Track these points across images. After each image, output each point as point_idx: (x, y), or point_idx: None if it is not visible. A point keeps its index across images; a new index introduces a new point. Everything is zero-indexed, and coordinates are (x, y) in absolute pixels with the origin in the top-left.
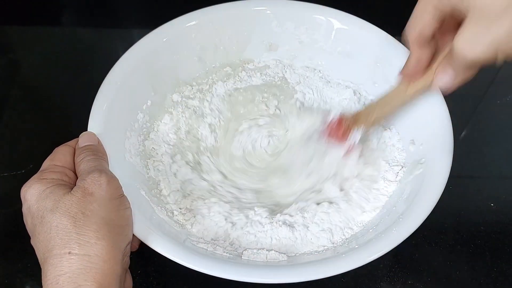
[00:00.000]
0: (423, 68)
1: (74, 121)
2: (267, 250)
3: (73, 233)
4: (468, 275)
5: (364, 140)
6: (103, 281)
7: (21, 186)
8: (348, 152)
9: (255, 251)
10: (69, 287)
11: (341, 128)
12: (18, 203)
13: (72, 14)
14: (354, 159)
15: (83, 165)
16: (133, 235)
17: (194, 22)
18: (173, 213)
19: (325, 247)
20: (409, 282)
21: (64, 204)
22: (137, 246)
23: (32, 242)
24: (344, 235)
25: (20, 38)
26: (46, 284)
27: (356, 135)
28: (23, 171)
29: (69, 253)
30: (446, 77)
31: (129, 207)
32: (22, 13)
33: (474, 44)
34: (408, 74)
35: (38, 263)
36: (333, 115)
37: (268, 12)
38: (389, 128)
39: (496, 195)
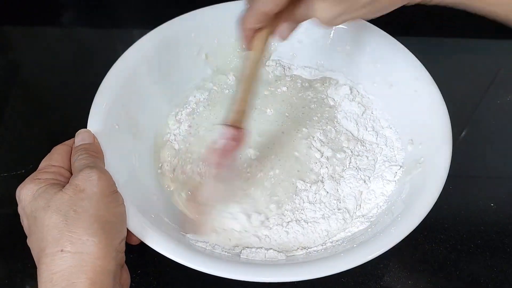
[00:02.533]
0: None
1: (74, 121)
2: (265, 249)
3: (65, 231)
4: (468, 275)
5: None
6: (96, 278)
7: None
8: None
9: (253, 250)
10: (62, 285)
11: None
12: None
13: (72, 14)
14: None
15: (76, 164)
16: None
17: (193, 22)
18: (175, 211)
19: (324, 247)
20: (409, 282)
21: (55, 202)
22: (138, 241)
23: (28, 242)
24: (342, 234)
25: (20, 38)
26: (41, 283)
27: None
28: (23, 171)
29: (61, 251)
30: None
31: (122, 204)
32: (22, 13)
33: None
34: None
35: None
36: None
37: None
38: (388, 127)
39: (496, 195)
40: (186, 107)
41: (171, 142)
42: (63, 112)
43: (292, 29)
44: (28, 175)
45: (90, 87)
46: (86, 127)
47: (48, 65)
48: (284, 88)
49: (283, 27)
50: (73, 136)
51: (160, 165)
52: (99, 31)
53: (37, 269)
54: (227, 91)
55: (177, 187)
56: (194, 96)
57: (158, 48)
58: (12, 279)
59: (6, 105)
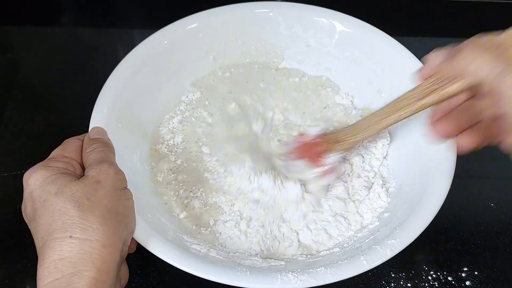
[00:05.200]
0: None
1: (74, 121)
2: (261, 256)
3: (76, 217)
4: (468, 275)
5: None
6: (102, 267)
7: (21, 186)
8: (323, 174)
9: (246, 255)
10: (68, 272)
11: (317, 147)
12: (18, 203)
13: (72, 14)
14: (327, 182)
15: (93, 155)
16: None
17: (197, 24)
18: (177, 215)
19: (325, 252)
20: (409, 282)
21: (69, 189)
22: (135, 248)
23: (32, 226)
24: (341, 242)
25: (20, 38)
26: (43, 268)
27: (333, 159)
28: (23, 171)
29: (70, 237)
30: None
31: (132, 199)
32: (22, 13)
33: None
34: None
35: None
36: (312, 133)
37: (271, 14)
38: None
39: (496, 195)
40: (177, 112)
41: (168, 155)
42: (63, 112)
43: (479, 143)
44: None
45: (90, 87)
46: (85, 127)
47: (48, 65)
48: (296, 79)
49: (465, 136)
50: (72, 135)
51: (153, 167)
52: (99, 31)
53: (40, 253)
54: (221, 86)
55: (175, 205)
56: (187, 96)
57: (165, 47)
58: (12, 279)
59: (6, 105)
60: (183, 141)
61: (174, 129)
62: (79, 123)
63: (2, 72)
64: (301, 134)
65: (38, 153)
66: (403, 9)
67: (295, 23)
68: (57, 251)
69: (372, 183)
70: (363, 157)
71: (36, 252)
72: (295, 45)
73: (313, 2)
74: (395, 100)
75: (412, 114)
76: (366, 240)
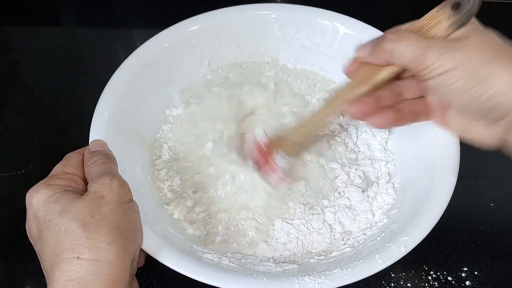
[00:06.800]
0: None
1: (74, 121)
2: (273, 260)
3: (83, 237)
4: (468, 275)
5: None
6: (112, 287)
7: (21, 186)
8: (273, 176)
9: (258, 260)
10: None
11: (262, 151)
12: (18, 203)
13: (72, 14)
14: (276, 182)
15: (95, 168)
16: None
17: (196, 27)
18: (183, 225)
19: (339, 252)
20: (409, 282)
21: (73, 207)
22: (143, 261)
23: (37, 246)
24: (351, 244)
25: (20, 38)
26: None
27: (279, 160)
28: (23, 171)
29: (78, 258)
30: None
31: (138, 212)
32: (22, 13)
33: None
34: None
35: (38, 263)
36: (257, 137)
37: (270, 15)
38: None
39: (496, 195)
40: (163, 128)
41: (178, 198)
42: (63, 112)
43: (397, 123)
44: (28, 175)
45: (90, 87)
46: (86, 127)
47: (48, 65)
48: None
49: (385, 117)
50: (72, 136)
51: (157, 184)
52: (99, 31)
53: (48, 275)
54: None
55: (189, 226)
56: (170, 110)
57: (160, 54)
58: (12, 279)
59: (6, 105)
60: (192, 189)
61: (170, 167)
62: (78, 123)
63: (2, 72)
64: (255, 143)
65: (38, 153)
66: (403, 9)
67: (288, 24)
68: (65, 272)
69: (379, 178)
70: (368, 150)
71: (35, 252)
72: (289, 46)
73: (314, 3)
74: (329, 97)
75: (346, 106)
76: (378, 238)
